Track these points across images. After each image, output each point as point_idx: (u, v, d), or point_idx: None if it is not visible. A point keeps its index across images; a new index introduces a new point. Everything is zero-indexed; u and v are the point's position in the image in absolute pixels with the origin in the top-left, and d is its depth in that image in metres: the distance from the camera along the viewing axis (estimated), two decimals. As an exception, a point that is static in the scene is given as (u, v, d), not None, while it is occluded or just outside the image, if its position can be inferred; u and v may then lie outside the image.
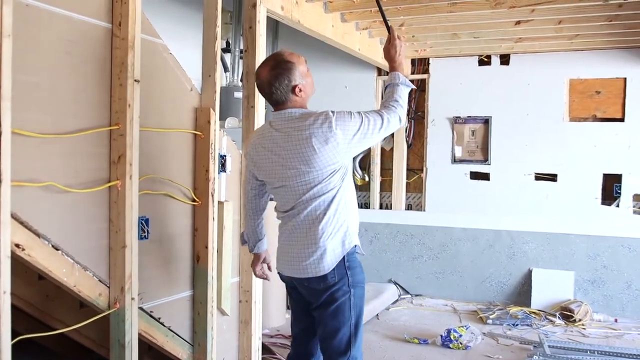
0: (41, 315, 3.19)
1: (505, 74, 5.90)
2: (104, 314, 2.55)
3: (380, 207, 6.43)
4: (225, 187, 3.34)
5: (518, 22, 4.61)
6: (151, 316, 2.84)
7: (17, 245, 2.12)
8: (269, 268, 2.76)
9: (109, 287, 2.57)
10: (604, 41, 5.27)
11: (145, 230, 2.73)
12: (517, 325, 5.10)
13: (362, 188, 6.50)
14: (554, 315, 5.31)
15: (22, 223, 2.15)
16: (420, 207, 6.30)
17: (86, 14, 2.41)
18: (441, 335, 4.56)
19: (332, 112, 2.32)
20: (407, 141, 6.30)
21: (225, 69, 5.26)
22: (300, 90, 2.36)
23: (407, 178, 6.34)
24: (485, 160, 5.98)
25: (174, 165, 2.97)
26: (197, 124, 3.07)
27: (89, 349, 3.40)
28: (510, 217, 5.84)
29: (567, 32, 4.93)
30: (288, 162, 2.35)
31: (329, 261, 2.37)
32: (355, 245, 2.46)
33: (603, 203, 5.63)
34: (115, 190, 2.53)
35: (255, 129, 3.44)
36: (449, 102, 6.07)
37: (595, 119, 5.70)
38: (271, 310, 4.57)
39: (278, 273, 2.60)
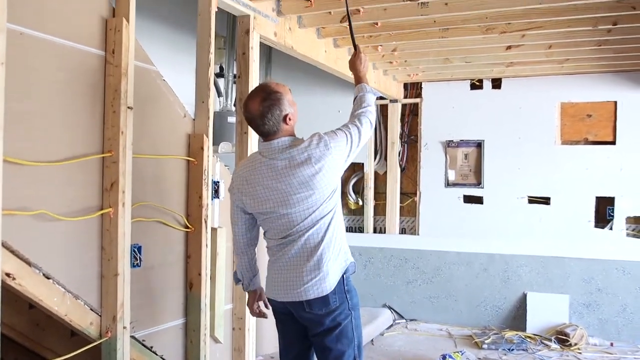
0: (31, 344, 3.15)
1: (497, 97, 5.94)
2: (95, 343, 2.52)
3: (374, 231, 6.42)
4: (218, 214, 3.33)
5: (509, 47, 4.65)
6: (143, 345, 2.81)
7: (8, 275, 2.09)
8: (266, 305, 2.67)
9: (100, 315, 2.53)
10: (594, 65, 5.33)
11: (138, 258, 2.71)
12: (512, 350, 5.07)
13: (356, 212, 6.49)
14: (550, 340, 5.28)
15: (13, 252, 2.13)
16: (414, 231, 6.29)
17: (80, 42, 2.41)
18: (437, 361, 4.52)
19: (322, 133, 2.42)
20: (400, 165, 6.31)
21: (219, 93, 5.27)
22: (290, 119, 2.40)
23: (401, 202, 6.34)
24: (479, 183, 6.00)
25: (167, 192, 2.95)
26: (190, 150, 3.06)
27: (79, 378, 3.35)
28: (504, 240, 5.84)
29: (558, 57, 4.98)
30: (288, 188, 2.35)
31: (331, 281, 2.39)
32: (351, 263, 2.49)
33: (596, 226, 5.64)
34: (107, 217, 2.51)
35: (248, 154, 3.44)
36: (442, 126, 6.10)
37: (587, 142, 5.73)
38: (265, 337, 4.52)
39: (269, 300, 2.57)
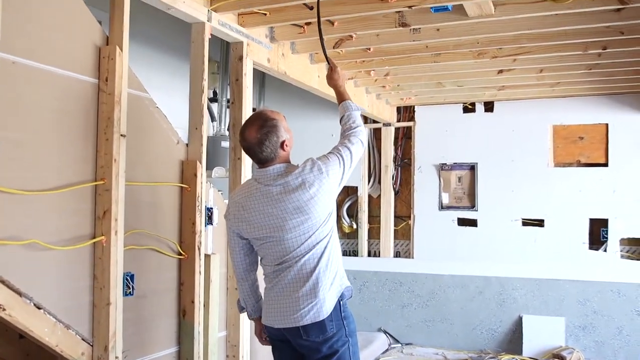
0: (22, 374, 3.09)
1: (489, 120, 5.97)
2: (86, 374, 2.48)
3: (369, 255, 6.40)
4: (211, 240, 3.31)
5: (500, 71, 4.69)
6: (136, 374, 2.77)
7: (-2, 306, 2.07)
8: None
9: (92, 345, 2.50)
10: (585, 88, 5.37)
11: (130, 286, 2.68)
12: (509, 374, 5.04)
13: (350, 235, 6.48)
14: (546, 363, 5.26)
15: (3, 282, 2.11)
16: (408, 254, 6.27)
17: (73, 70, 2.41)
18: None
19: (315, 158, 2.44)
20: (394, 188, 6.31)
21: (212, 118, 5.28)
22: (287, 145, 2.42)
23: (395, 225, 6.33)
24: (473, 206, 6.00)
25: (160, 219, 2.94)
26: (184, 177, 3.06)
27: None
28: (499, 263, 5.82)
29: (549, 80, 5.02)
30: (284, 214, 2.35)
31: (328, 307, 2.37)
32: (347, 287, 2.48)
33: (591, 248, 5.64)
34: (100, 246, 2.49)
35: (242, 180, 3.44)
36: (435, 149, 6.12)
37: (580, 164, 5.76)
38: (259, 363, 4.48)
39: (265, 327, 2.55)
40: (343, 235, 6.47)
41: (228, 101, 4.46)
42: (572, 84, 5.17)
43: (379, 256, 6.32)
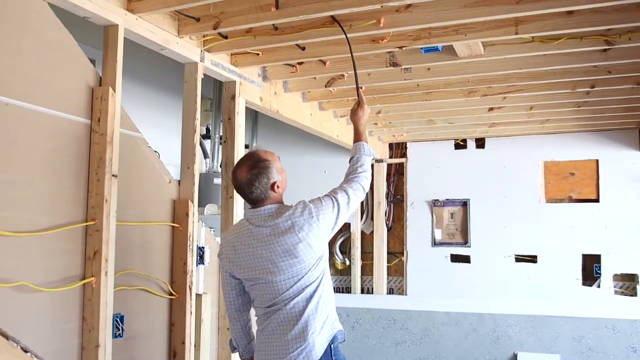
0: (7, 419, 3.02)
1: (481, 157, 6.01)
2: (74, 419, 2.43)
3: (362, 292, 6.35)
4: (203, 280, 3.28)
5: (491, 109, 4.74)
6: (124, 419, 2.71)
7: (-16, 350, 2.03)
8: None
9: (80, 389, 2.45)
10: (574, 125, 5.43)
11: (120, 328, 2.64)
12: (505, 413, 4.96)
13: (343, 272, 6.44)
14: (542, 402, 5.19)
15: (-10, 325, 2.08)
16: (401, 291, 6.23)
17: (66, 111, 2.42)
18: None
19: (308, 201, 2.39)
20: (387, 225, 6.31)
21: (205, 155, 5.29)
22: (278, 187, 2.39)
23: (388, 262, 6.31)
24: (465, 242, 5.99)
25: (151, 259, 2.91)
26: (175, 216, 3.04)
27: None
28: (493, 299, 5.80)
29: (539, 117, 5.08)
30: (273, 256, 2.32)
31: (317, 351, 2.33)
32: (340, 331, 2.44)
33: (584, 284, 5.63)
34: (89, 287, 2.47)
35: (234, 219, 3.43)
36: (427, 185, 6.14)
37: (571, 200, 5.78)
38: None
39: None
40: (336, 272, 6.44)
41: (221, 138, 4.48)
42: (562, 120, 5.23)
43: (372, 293, 6.28)
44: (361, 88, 2.91)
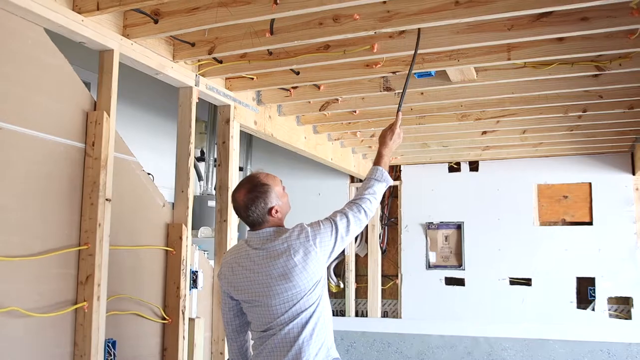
0: None
1: (475, 180, 6.04)
2: None
3: (356, 315, 6.32)
4: (196, 304, 3.26)
5: (484, 132, 4.78)
6: None
7: (-27, 377, 2.01)
8: None
9: (70, 416, 2.42)
10: (567, 148, 5.47)
11: (112, 353, 2.62)
12: None
13: (337, 295, 6.41)
14: None
15: (-20, 352, 2.06)
16: (396, 314, 6.21)
17: (60, 135, 2.43)
18: None
19: (306, 224, 2.34)
20: (381, 247, 6.30)
21: (199, 177, 5.29)
22: (277, 212, 2.35)
23: (383, 284, 6.29)
24: (460, 265, 5.99)
25: (144, 283, 2.90)
26: (169, 240, 3.04)
27: None
28: (488, 323, 5.77)
29: (532, 141, 5.11)
30: (268, 280, 2.29)
31: None
32: (335, 359, 2.38)
33: (578, 307, 5.62)
34: (81, 312, 2.45)
35: (227, 242, 3.42)
36: (422, 208, 6.15)
37: (565, 223, 5.80)
38: None
39: None
40: (330, 294, 6.40)
41: (215, 160, 4.48)
42: (555, 144, 5.27)
43: (367, 316, 6.25)
44: (398, 115, 2.74)
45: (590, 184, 5.71)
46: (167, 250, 3.03)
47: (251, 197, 2.32)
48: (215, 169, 4.61)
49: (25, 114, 2.28)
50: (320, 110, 4.03)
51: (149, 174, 3.29)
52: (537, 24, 2.62)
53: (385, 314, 6.29)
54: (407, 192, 6.23)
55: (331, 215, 2.41)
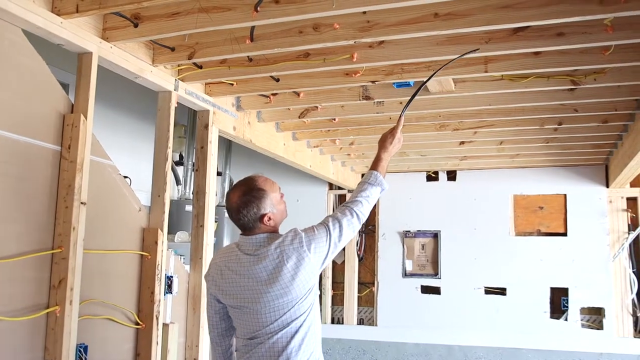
0: None
1: (452, 189, 6.09)
2: None
3: (332, 322, 6.33)
4: (170, 309, 3.24)
5: (462, 143, 4.82)
6: None
7: (-60, 381, 1.98)
8: None
9: (39, 422, 2.39)
10: (543, 160, 5.54)
11: (83, 358, 2.59)
12: None
13: (314, 302, 6.40)
14: None
15: (-52, 356, 2.03)
16: (372, 321, 6.22)
17: (35, 137, 2.40)
18: None
19: (300, 229, 2.26)
20: (358, 255, 6.32)
21: (178, 181, 5.27)
22: (270, 219, 2.26)
23: (359, 292, 6.31)
24: (436, 274, 6.03)
25: (118, 287, 2.87)
26: (144, 245, 3.01)
27: None
28: (462, 331, 5.82)
29: (509, 152, 5.17)
30: (258, 286, 2.19)
31: None
32: None
33: (552, 316, 5.69)
34: (53, 316, 2.42)
35: (204, 247, 3.41)
36: (399, 217, 6.18)
37: (540, 233, 5.87)
38: None
39: None
40: (307, 301, 6.40)
41: (194, 165, 4.46)
42: (531, 155, 5.34)
43: (343, 323, 6.26)
44: (400, 120, 2.69)
45: (565, 195, 5.79)
46: (142, 254, 3.00)
47: (245, 200, 2.23)
48: (193, 173, 4.59)
49: (0, 115, 2.25)
50: (299, 117, 4.04)
51: (126, 177, 3.28)
52: (513, 38, 2.66)
53: (361, 322, 6.30)
54: (385, 200, 6.27)
55: (324, 220, 2.32)
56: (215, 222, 4.32)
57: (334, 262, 6.39)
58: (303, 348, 2.21)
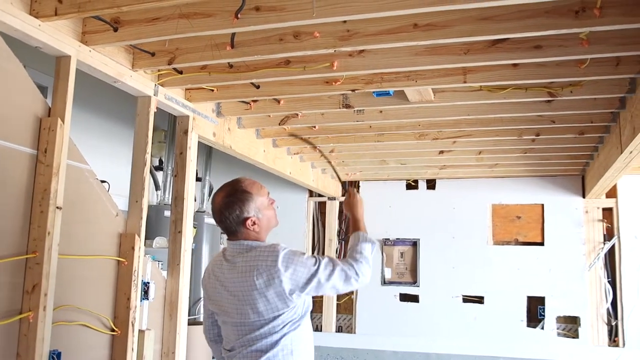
0: None
1: (431, 198, 6.12)
2: None
3: (311, 329, 6.30)
4: (147, 315, 3.22)
5: (441, 152, 4.86)
6: None
7: None
8: None
9: None
10: (521, 170, 5.60)
11: (56, 365, 2.56)
12: None
13: (293, 309, 6.39)
14: None
15: None
16: (350, 329, 6.22)
17: (10, 140, 2.37)
18: None
19: (283, 247, 2.08)
20: (337, 262, 6.31)
21: (157, 187, 5.23)
22: (254, 224, 2.13)
23: (338, 299, 6.30)
24: (414, 282, 6.05)
25: (94, 293, 2.84)
26: (121, 250, 2.99)
27: None
28: (440, 339, 5.84)
29: (488, 162, 5.22)
30: (230, 297, 2.10)
31: None
32: None
33: (528, 325, 5.73)
34: (26, 322, 2.39)
35: (182, 254, 3.39)
36: (379, 224, 6.19)
37: (517, 242, 5.92)
38: None
39: None
40: (285, 308, 6.38)
41: (173, 170, 4.44)
42: (510, 165, 5.39)
43: (321, 330, 6.24)
44: (351, 187, 2.70)
45: (542, 205, 5.85)
46: (118, 260, 2.98)
47: (227, 201, 2.12)
48: (173, 178, 4.56)
49: (-25, 118, 2.23)
50: (280, 124, 4.04)
51: (104, 181, 3.25)
52: (492, 50, 2.69)
53: (339, 329, 6.30)
54: (365, 208, 6.25)
55: (322, 256, 2.17)
56: (194, 228, 4.31)
57: (313, 269, 6.37)
58: None
